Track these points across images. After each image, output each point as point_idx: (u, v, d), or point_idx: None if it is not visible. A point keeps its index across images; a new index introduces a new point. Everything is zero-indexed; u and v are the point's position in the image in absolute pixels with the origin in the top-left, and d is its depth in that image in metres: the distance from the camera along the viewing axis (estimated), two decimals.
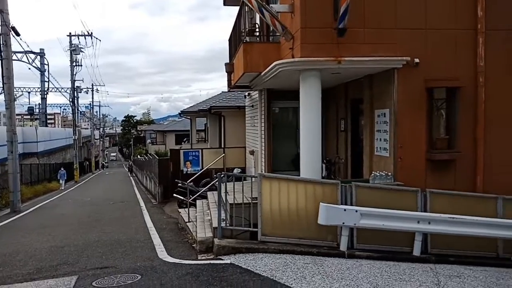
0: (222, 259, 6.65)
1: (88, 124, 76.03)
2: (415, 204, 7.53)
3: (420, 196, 7.55)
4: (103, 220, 12.63)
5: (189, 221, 9.82)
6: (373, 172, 8.56)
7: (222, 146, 18.03)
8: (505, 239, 7.58)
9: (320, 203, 7.13)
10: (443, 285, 5.64)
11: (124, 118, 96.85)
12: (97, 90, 61.77)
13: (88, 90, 53.45)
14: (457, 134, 8.41)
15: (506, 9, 8.62)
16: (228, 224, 7.54)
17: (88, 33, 40.16)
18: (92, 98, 60.30)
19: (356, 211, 7.10)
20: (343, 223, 7.08)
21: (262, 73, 9.39)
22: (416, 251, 7.31)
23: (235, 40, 11.32)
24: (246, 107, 15.50)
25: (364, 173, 9.55)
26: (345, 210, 7.10)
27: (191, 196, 11.48)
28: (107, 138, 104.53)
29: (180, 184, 13.30)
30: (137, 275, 6.03)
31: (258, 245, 7.05)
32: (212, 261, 6.58)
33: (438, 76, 8.33)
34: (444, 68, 8.41)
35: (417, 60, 8.22)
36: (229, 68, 11.44)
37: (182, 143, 30.37)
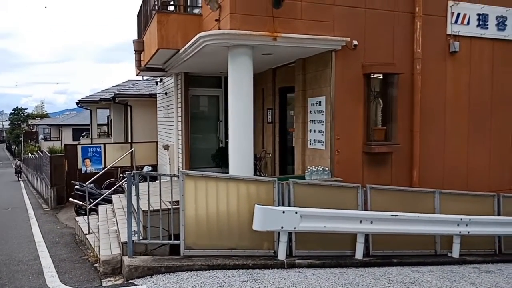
0: (135, 284, 5.13)
1: None
2: (356, 202, 6.79)
3: (361, 192, 6.81)
4: None
5: (89, 233, 7.99)
6: (308, 167, 7.65)
7: (130, 141, 15.99)
8: (443, 235, 7.20)
9: (256, 205, 5.97)
10: None
11: (13, 111, 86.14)
12: None
13: None
14: (394, 125, 7.87)
15: None
16: (141, 237, 6.00)
17: None
18: None
19: (296, 212, 6.08)
20: (282, 227, 6.01)
21: (181, 50, 7.92)
22: (359, 254, 6.55)
23: (145, 14, 9.63)
24: (158, 95, 13.77)
25: (295, 169, 8.63)
26: (283, 212, 6.03)
27: (91, 201, 9.56)
28: None
29: (77, 186, 11.21)
30: None
31: (181, 261, 5.65)
32: None
33: (375, 61, 7.71)
34: (381, 53, 7.83)
35: (355, 42, 7.48)
36: (138, 46, 9.69)
37: (81, 138, 27.09)
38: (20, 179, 31.47)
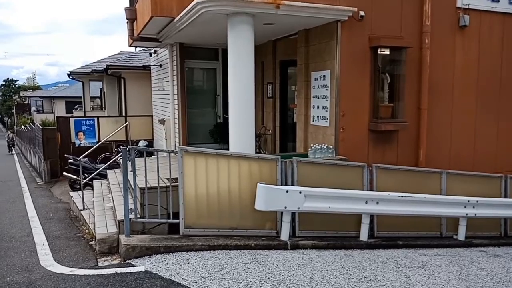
0: (133, 265, 4.92)
1: None
2: (361, 182, 6.56)
3: (366, 172, 6.57)
4: None
5: (84, 209, 7.74)
6: (311, 144, 7.38)
7: (124, 114, 15.59)
8: (450, 217, 7.03)
9: (258, 184, 5.74)
10: (414, 282, 4.68)
11: (4, 83, 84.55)
12: None
13: None
14: (401, 102, 7.58)
15: None
16: (138, 215, 5.75)
17: None
18: None
19: (300, 192, 5.85)
20: (285, 207, 5.79)
21: (177, 19, 7.50)
22: (363, 236, 6.37)
23: None
24: (152, 67, 13.30)
25: (297, 147, 8.37)
26: (287, 191, 5.80)
27: (86, 175, 9.29)
28: None
29: (71, 160, 10.90)
30: None
31: (180, 241, 5.44)
32: (119, 269, 4.80)
33: (382, 34, 7.34)
34: (389, 25, 7.47)
35: (362, 13, 7.10)
36: (131, 14, 9.18)
37: (74, 110, 26.51)
38: (13, 153, 30.60)
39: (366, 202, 6.21)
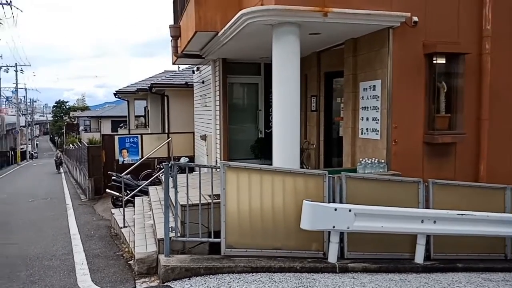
0: None
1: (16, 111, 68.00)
2: (416, 199, 5.98)
3: (422, 188, 6.00)
4: (12, 224, 9.95)
5: (124, 226, 7.60)
6: (361, 159, 6.88)
7: (167, 131, 15.69)
8: None
9: (304, 201, 5.32)
10: None
11: (55, 104, 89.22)
12: (21, 70, 54.04)
13: (8, 69, 46.65)
14: (459, 112, 6.96)
15: None
16: (179, 234, 5.48)
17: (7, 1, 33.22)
18: (16, 79, 53.00)
19: (350, 210, 5.37)
20: (334, 226, 5.32)
21: (220, 33, 7.33)
22: (419, 258, 5.77)
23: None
24: (194, 84, 13.30)
25: (344, 161, 7.87)
26: (335, 209, 5.34)
27: (128, 192, 9.21)
28: (37, 125, 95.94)
29: (114, 177, 10.93)
30: None
31: (222, 262, 5.09)
32: None
33: (438, 40, 6.81)
34: (444, 30, 6.92)
35: (415, 18, 6.62)
36: (175, 32, 9.18)
37: (118, 129, 27.26)
38: (60, 171, 31.14)
39: (422, 221, 5.64)
